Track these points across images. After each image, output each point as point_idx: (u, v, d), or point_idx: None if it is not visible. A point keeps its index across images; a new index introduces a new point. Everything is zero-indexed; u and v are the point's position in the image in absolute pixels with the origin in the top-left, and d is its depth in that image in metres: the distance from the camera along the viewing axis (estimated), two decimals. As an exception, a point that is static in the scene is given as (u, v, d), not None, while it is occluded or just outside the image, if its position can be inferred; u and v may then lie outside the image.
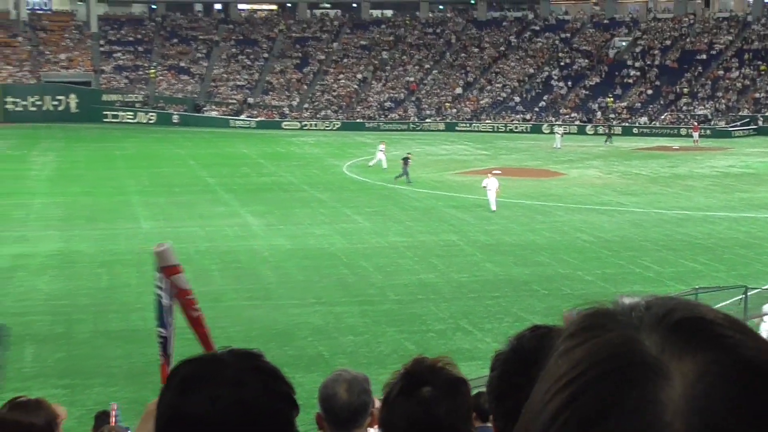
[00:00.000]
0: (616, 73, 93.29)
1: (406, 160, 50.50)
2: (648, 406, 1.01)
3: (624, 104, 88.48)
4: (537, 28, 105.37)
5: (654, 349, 1.05)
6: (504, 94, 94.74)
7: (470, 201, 43.23)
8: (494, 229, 36.76)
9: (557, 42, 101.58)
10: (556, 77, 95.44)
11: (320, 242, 33.99)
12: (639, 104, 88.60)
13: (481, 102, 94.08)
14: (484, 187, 40.10)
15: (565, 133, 74.11)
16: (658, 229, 36.76)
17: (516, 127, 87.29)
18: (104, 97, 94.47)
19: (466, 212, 40.53)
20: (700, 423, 0.99)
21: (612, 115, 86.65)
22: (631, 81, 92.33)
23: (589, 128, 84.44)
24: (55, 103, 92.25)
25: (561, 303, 25.15)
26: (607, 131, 78.40)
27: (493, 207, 39.53)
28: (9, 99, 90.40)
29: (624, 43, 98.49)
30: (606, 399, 1.03)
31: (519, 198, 44.58)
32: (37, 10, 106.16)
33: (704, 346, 1.05)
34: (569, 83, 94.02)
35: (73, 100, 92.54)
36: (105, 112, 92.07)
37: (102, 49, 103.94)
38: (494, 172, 51.49)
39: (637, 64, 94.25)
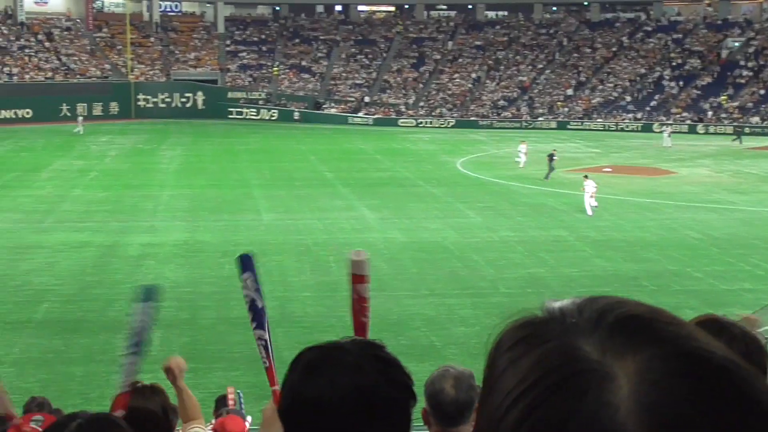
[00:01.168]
0: (728, 74, 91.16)
1: (551, 156, 50.41)
2: (601, 411, 0.99)
3: (736, 104, 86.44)
4: (649, 28, 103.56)
5: (595, 354, 1.04)
6: (615, 94, 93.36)
7: (580, 198, 42.58)
8: (604, 225, 36.36)
9: (669, 42, 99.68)
10: (667, 77, 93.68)
11: (433, 236, 33.89)
12: (751, 104, 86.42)
13: (593, 101, 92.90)
14: (584, 190, 38.78)
15: (674, 132, 73.04)
16: (769, 228, 35.52)
17: (627, 126, 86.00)
18: (229, 95, 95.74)
19: (577, 209, 40.03)
20: (651, 419, 0.98)
21: (723, 115, 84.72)
22: (743, 81, 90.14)
23: (700, 127, 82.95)
24: (184, 100, 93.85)
25: (669, 299, 24.77)
26: (738, 131, 76.48)
27: (589, 212, 38.10)
28: (141, 96, 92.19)
29: (737, 44, 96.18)
30: (561, 410, 1.01)
31: (629, 195, 44.16)
32: (169, 12, 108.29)
33: (643, 342, 1.04)
34: (680, 83, 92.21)
35: (200, 97, 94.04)
36: (230, 109, 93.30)
37: (228, 48, 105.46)
38: (606, 169, 50.95)
39: (749, 65, 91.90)
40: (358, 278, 4.02)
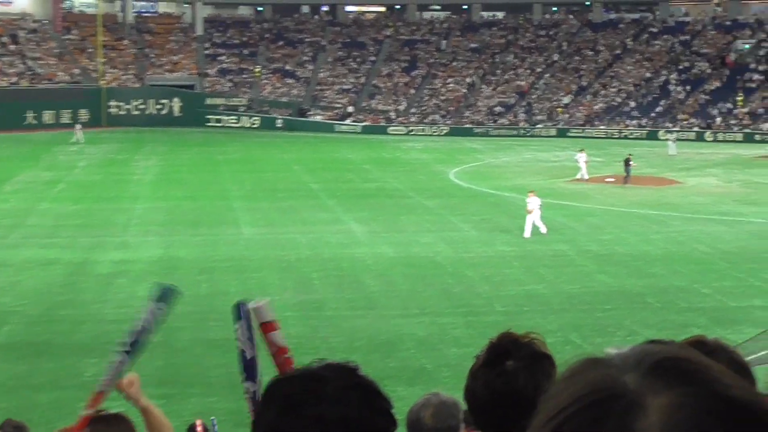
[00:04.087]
0: (738, 77, 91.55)
1: (627, 161, 51.81)
2: None
3: (746, 110, 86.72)
4: (655, 30, 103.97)
5: (633, 385, 1.19)
6: (619, 99, 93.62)
7: (582, 209, 43.29)
8: (607, 239, 36.42)
9: (676, 44, 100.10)
10: (674, 81, 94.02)
11: (425, 250, 33.90)
12: (762, 110, 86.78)
13: (595, 107, 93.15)
14: (530, 210, 37.11)
15: (680, 140, 73.77)
16: (782, 241, 35.59)
17: (631, 134, 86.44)
18: (208, 101, 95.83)
19: (578, 221, 40.35)
20: None
21: (733, 121, 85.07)
22: (754, 85, 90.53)
23: (708, 135, 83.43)
24: (159, 106, 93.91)
25: (676, 317, 24.95)
26: None
27: (527, 233, 36.41)
28: (113, 102, 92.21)
29: (747, 46, 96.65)
30: (590, 427, 1.17)
31: (633, 207, 44.28)
32: (144, 12, 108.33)
33: (681, 381, 1.18)
34: (688, 87, 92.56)
35: (176, 104, 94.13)
36: (209, 116, 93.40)
37: (207, 51, 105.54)
38: (608, 179, 50.88)
39: (761, 68, 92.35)
40: (267, 326, 3.99)
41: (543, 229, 36.26)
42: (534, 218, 36.20)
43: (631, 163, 51.68)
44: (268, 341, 3.98)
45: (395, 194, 48.74)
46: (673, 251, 33.98)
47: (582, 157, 54.55)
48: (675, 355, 1.22)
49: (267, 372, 4.20)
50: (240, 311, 4.31)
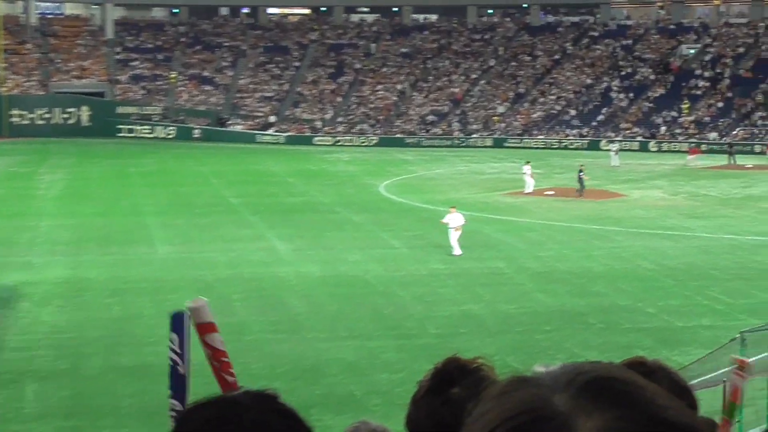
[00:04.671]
0: (683, 84, 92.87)
1: (580, 172, 53.77)
2: None
3: (691, 118, 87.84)
4: (596, 34, 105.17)
5: (563, 406, 1.19)
6: (558, 107, 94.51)
7: (520, 224, 43.53)
8: (546, 255, 36.56)
9: (618, 49, 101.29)
10: (616, 88, 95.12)
11: (354, 269, 33.91)
12: (708, 118, 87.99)
13: (533, 115, 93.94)
14: (446, 223, 37.04)
15: (623, 150, 74.62)
16: (729, 256, 36.61)
17: (571, 144, 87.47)
18: (119, 110, 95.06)
19: (516, 237, 40.46)
20: None
21: (678, 130, 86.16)
22: (699, 92, 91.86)
23: (652, 144, 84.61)
24: (66, 115, 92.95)
25: (620, 338, 25.09)
26: (729, 149, 74.90)
27: (457, 251, 36.36)
28: (15, 111, 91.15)
29: (692, 51, 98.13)
30: None
31: (575, 221, 44.57)
32: (49, 14, 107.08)
33: (613, 403, 1.18)
34: (631, 95, 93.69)
35: (85, 113, 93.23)
36: (120, 126, 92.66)
37: (118, 56, 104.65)
38: (548, 192, 51.43)
39: (706, 74, 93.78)
40: (204, 327, 3.94)
41: (456, 251, 36.13)
42: (454, 235, 36.21)
43: (582, 174, 52.77)
44: (205, 343, 3.94)
45: (321, 209, 48.72)
46: (617, 268, 34.27)
47: (528, 171, 55.00)
48: (608, 375, 1.21)
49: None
50: (176, 322, 4.22)
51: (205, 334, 3.92)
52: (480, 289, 30.83)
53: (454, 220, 36.27)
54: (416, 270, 33.94)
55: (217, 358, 3.86)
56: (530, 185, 54.48)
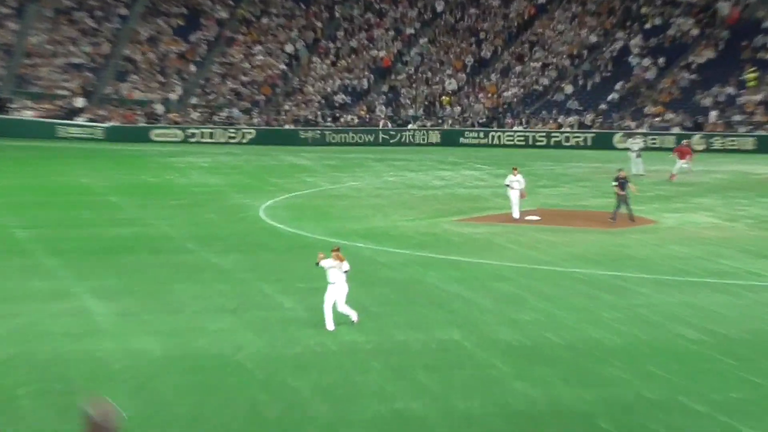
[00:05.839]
0: (744, 43, 76.57)
1: (620, 181, 44.99)
2: None
3: (758, 97, 73.73)
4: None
5: None
6: (545, 81, 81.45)
7: (485, 269, 35.94)
8: (528, 319, 29.23)
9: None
10: (637, 50, 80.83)
11: (218, 344, 27.00)
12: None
13: (505, 94, 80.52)
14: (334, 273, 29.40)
15: (646, 149, 63.31)
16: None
17: (567, 138, 75.84)
18: None
19: (479, 289, 32.91)
20: None
21: (738, 116, 70.86)
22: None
23: (696, 139, 70.93)
24: None
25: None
26: None
27: (349, 315, 29.22)
28: None
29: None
30: None
31: (573, 263, 37.34)
32: None
33: None
34: (661, 60, 79.56)
35: None
36: None
37: None
38: (531, 216, 43.31)
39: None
40: None
41: (353, 316, 28.52)
42: (337, 295, 28.69)
43: (622, 183, 44.38)
44: None
45: (165, 246, 41.23)
46: (642, 339, 27.28)
47: (515, 182, 45.73)
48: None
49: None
50: None
51: None
52: (423, 375, 24.55)
53: (333, 273, 28.04)
54: (320, 345, 26.91)
55: None
56: (516, 206, 45.68)
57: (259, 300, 32.09)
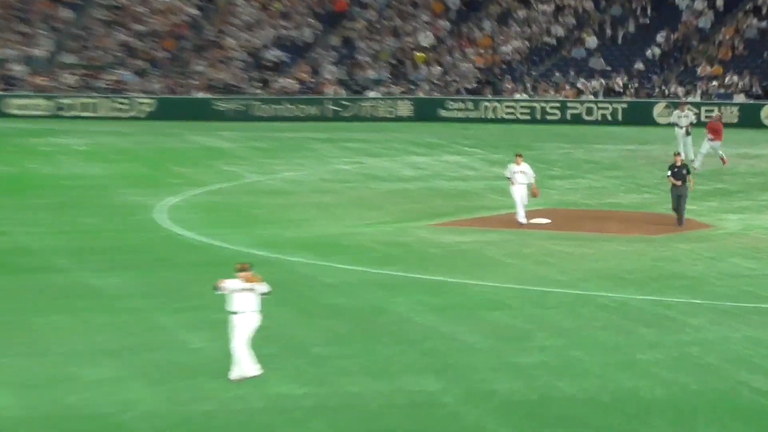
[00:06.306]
0: None
1: (676, 169, 38.76)
2: None
3: None
4: None
5: None
6: (558, 31, 72.24)
7: (475, 293, 30.52)
8: (534, 362, 24.46)
9: None
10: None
11: (96, 399, 21.87)
12: None
13: (503, 49, 71.92)
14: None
15: (693, 124, 54.20)
16: None
17: (589, 110, 68.05)
18: None
19: (466, 322, 27.69)
20: None
21: None
22: None
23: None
24: None
25: None
26: None
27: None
28: None
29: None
30: None
31: (599, 284, 31.78)
32: None
33: None
34: (718, 0, 70.26)
35: None
36: None
37: None
38: (539, 219, 39.23)
39: None
40: None
41: (253, 370, 23.20)
42: (240, 343, 23.50)
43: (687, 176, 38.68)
44: None
45: (23, 264, 35.14)
46: (692, 390, 22.84)
47: (521, 172, 38.77)
48: None
49: None
50: None
51: None
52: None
53: (242, 302, 23.18)
54: (239, 400, 22.13)
55: None
56: (522, 207, 38.89)
57: (155, 338, 26.97)
